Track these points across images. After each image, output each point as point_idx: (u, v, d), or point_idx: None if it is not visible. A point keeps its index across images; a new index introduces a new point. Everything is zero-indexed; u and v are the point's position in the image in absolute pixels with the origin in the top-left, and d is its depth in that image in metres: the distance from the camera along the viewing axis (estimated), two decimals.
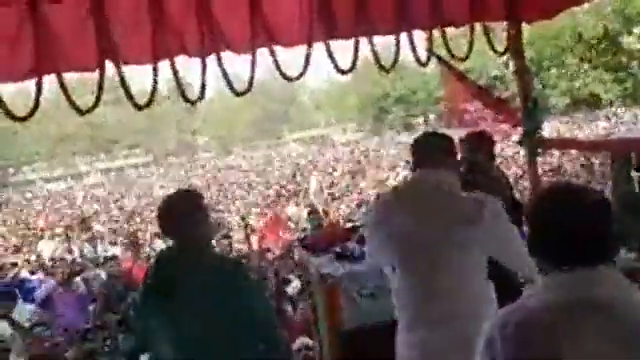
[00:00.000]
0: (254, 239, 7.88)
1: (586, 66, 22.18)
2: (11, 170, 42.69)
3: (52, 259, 9.57)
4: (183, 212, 1.96)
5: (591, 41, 18.84)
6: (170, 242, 2.05)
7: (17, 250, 11.86)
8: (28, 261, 9.20)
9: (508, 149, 14.04)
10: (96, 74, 2.82)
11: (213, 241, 2.14)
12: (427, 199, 1.89)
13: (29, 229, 15.85)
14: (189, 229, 1.95)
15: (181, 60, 2.97)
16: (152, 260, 2.28)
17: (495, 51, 3.43)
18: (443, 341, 1.80)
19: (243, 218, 10.36)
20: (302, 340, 3.59)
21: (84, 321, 5.52)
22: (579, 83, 23.75)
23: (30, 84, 2.72)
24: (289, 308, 4.14)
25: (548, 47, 23.79)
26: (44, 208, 23.01)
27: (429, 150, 1.96)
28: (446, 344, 1.80)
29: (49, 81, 2.75)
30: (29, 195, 31.10)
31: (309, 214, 7.59)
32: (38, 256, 10.42)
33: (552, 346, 1.08)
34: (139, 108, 3.00)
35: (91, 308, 5.76)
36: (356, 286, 2.29)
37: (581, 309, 1.09)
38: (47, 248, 11.28)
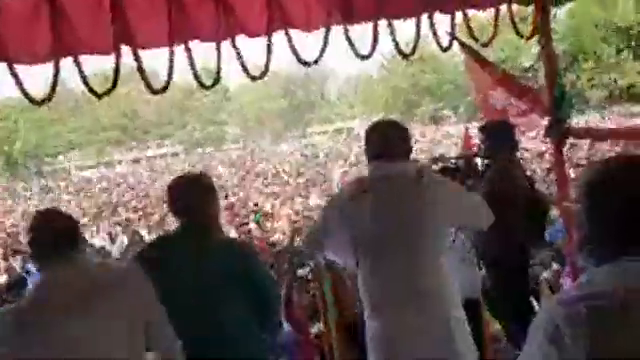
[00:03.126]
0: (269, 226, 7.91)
1: (624, 57, 21.30)
2: (47, 159, 44.16)
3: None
4: (190, 192, 1.96)
5: (629, 31, 18.07)
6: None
7: None
8: None
9: (536, 143, 13.64)
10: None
11: (220, 224, 2.12)
12: (391, 191, 1.90)
13: None
14: (196, 209, 1.94)
15: (203, 49, 2.97)
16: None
17: (520, 35, 3.29)
18: (413, 320, 1.83)
19: (256, 204, 10.43)
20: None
21: None
22: (616, 75, 22.83)
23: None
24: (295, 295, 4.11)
25: (584, 38, 22.95)
26: (77, 195, 23.72)
27: (386, 140, 1.95)
28: (416, 323, 1.82)
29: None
30: (63, 183, 32.10)
31: None
32: None
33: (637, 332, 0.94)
34: (155, 92, 3.00)
35: None
36: None
37: None
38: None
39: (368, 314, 1.92)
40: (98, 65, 3.15)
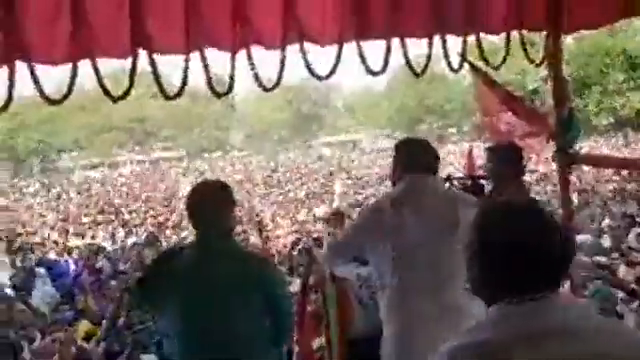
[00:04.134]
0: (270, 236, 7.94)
1: (631, 85, 21.36)
2: (52, 156, 44.29)
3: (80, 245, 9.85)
4: (210, 203, 1.96)
5: (637, 59, 18.16)
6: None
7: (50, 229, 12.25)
8: (56, 242, 9.49)
9: (540, 165, 13.65)
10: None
11: (234, 235, 2.12)
12: (428, 204, 1.95)
13: (62, 213, 16.36)
14: (214, 218, 1.94)
15: (217, 57, 3.00)
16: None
17: (531, 61, 3.33)
18: (439, 335, 1.80)
19: (257, 215, 10.48)
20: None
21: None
22: (622, 102, 22.89)
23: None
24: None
25: (592, 64, 23.07)
26: (79, 194, 23.76)
27: (421, 156, 2.04)
28: (441, 337, 1.83)
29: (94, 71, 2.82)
30: (65, 181, 32.15)
31: (332, 215, 7.58)
32: (66, 241, 10.74)
33: None
34: (168, 98, 3.04)
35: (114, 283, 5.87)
36: (368, 290, 2.24)
37: (539, 340, 0.98)
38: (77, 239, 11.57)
39: (392, 327, 1.93)
40: (106, 65, 3.15)
